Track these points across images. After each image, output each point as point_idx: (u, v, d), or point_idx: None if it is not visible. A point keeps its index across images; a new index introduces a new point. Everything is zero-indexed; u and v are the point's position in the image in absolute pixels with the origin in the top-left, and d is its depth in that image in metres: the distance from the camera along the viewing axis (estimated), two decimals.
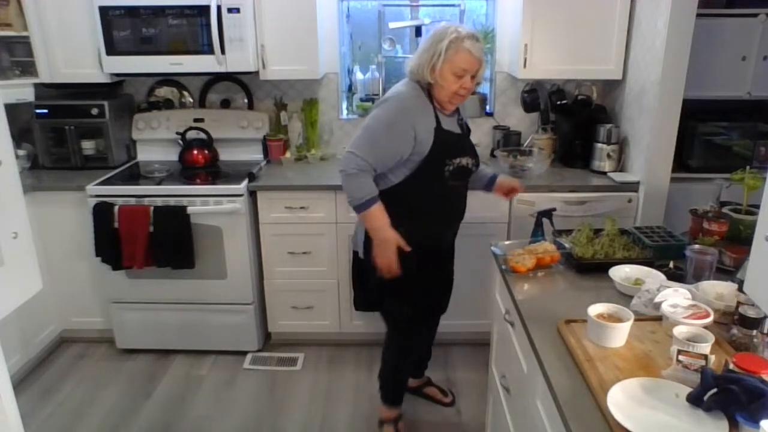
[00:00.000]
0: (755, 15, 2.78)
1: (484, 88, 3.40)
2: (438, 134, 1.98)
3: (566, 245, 1.90)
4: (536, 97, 3.11)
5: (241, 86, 3.36)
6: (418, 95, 1.97)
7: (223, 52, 2.84)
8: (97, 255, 2.81)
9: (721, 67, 2.84)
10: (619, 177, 2.86)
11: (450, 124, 2.04)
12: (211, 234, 2.83)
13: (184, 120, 3.23)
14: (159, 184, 2.88)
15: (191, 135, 3.14)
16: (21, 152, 3.12)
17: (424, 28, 3.21)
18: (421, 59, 1.94)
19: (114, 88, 3.25)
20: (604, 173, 2.93)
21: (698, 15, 2.47)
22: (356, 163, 1.94)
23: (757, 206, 1.03)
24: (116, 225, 2.73)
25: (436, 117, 1.99)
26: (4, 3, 2.84)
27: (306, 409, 2.65)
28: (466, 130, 2.17)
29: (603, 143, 2.93)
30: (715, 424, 1.07)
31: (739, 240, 1.88)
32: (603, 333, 1.35)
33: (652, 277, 1.66)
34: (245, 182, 2.83)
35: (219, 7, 2.77)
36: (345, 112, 3.44)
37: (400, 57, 3.32)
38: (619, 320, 1.37)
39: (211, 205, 2.78)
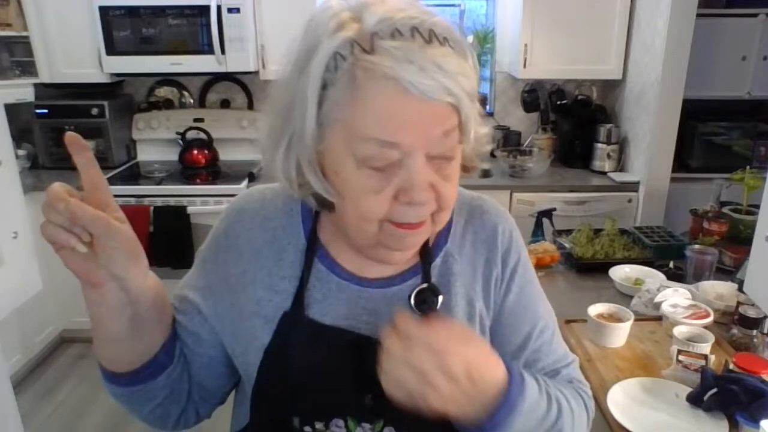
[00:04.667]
0: (755, 15, 2.78)
1: (484, 88, 3.40)
2: (283, 333, 0.72)
3: (566, 245, 1.90)
4: (536, 97, 3.11)
5: (241, 86, 3.36)
6: (281, 212, 0.77)
7: (223, 52, 2.83)
8: None
9: (721, 67, 2.84)
10: (619, 177, 2.86)
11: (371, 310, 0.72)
12: None
13: (184, 120, 3.22)
14: (159, 184, 2.88)
15: (191, 135, 3.14)
16: (21, 152, 3.11)
17: None
18: (269, 132, 0.67)
19: (114, 88, 3.25)
20: (604, 173, 2.93)
21: (698, 15, 2.47)
22: None
23: (757, 206, 1.03)
24: None
25: (299, 287, 0.72)
26: (4, 3, 2.84)
27: None
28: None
29: (603, 143, 2.93)
30: (715, 424, 1.07)
31: (739, 240, 1.88)
32: (603, 333, 1.35)
33: (652, 277, 1.66)
34: (245, 182, 2.83)
35: (219, 7, 2.77)
36: None
37: None
38: (619, 320, 1.37)
39: (211, 205, 2.78)
